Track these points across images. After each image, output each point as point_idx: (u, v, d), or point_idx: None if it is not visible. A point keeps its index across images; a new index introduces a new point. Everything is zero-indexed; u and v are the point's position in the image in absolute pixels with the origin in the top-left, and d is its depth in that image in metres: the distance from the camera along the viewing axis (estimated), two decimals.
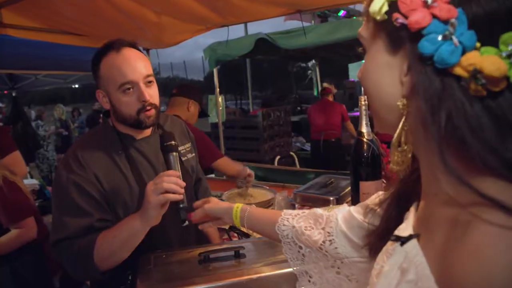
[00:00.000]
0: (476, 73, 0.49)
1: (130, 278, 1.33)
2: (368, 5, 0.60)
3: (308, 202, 2.61)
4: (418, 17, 0.51)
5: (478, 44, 0.50)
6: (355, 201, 2.42)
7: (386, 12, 0.57)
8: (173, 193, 1.28)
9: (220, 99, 5.49)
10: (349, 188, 2.64)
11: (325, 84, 7.46)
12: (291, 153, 6.12)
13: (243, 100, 23.20)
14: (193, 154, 1.83)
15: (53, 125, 9.53)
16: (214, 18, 3.27)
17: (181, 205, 1.32)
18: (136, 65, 1.47)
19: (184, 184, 1.31)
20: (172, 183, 1.28)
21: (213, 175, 5.24)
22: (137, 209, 1.38)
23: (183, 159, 1.74)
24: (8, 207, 2.14)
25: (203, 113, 3.06)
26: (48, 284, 2.39)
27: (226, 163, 2.88)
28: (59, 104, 10.64)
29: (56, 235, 1.42)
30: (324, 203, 2.49)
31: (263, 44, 4.89)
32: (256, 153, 5.75)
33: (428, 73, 0.53)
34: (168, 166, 1.39)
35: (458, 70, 0.50)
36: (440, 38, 0.50)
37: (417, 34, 0.52)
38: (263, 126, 5.77)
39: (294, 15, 3.43)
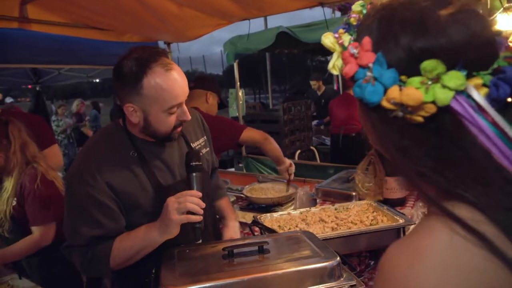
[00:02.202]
0: (400, 105, 0.57)
1: (153, 272, 1.33)
2: None
3: (330, 197, 2.59)
4: (347, 69, 0.61)
5: (404, 77, 0.57)
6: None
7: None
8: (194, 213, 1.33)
9: (240, 93, 5.47)
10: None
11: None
12: (312, 147, 6.07)
13: (261, 94, 23.14)
14: (208, 148, 1.80)
15: (70, 120, 9.65)
16: (236, 11, 3.25)
17: (197, 225, 1.36)
18: (184, 85, 1.43)
19: (204, 205, 1.35)
20: (195, 203, 1.32)
21: (233, 169, 5.25)
22: (153, 211, 1.40)
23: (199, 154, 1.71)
24: (38, 208, 2.16)
25: (222, 105, 3.03)
26: (76, 280, 2.40)
27: (251, 133, 2.80)
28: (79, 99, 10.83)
29: (69, 240, 1.47)
30: (346, 198, 2.46)
31: (283, 37, 4.84)
32: None
33: (364, 112, 0.64)
34: (191, 186, 1.42)
35: (386, 105, 0.58)
36: (364, 82, 0.59)
37: (353, 82, 0.62)
38: (283, 120, 5.73)
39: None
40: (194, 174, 1.44)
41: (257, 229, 1.89)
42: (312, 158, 5.92)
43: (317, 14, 3.97)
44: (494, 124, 0.54)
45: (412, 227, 1.82)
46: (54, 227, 2.23)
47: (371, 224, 1.83)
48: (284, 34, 4.79)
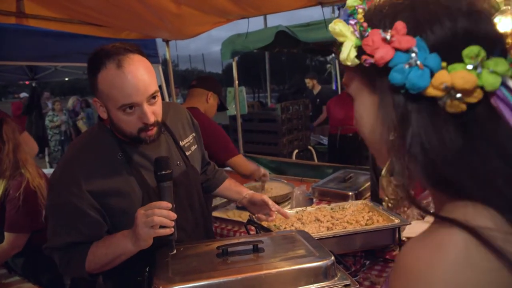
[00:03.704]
0: (449, 90, 0.53)
1: (147, 270, 1.31)
2: (339, 56, 0.64)
3: (327, 196, 2.59)
4: (382, 53, 0.57)
5: (444, 64, 0.55)
6: (374, 196, 2.38)
7: (356, 57, 0.61)
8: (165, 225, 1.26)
9: (242, 91, 5.45)
10: (369, 183, 2.61)
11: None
12: (309, 147, 6.08)
13: (260, 93, 23.13)
14: (196, 146, 1.75)
15: (64, 117, 9.62)
16: (234, 9, 3.24)
17: (170, 237, 1.30)
18: (140, 84, 1.32)
19: (175, 216, 1.28)
20: (163, 216, 1.25)
21: (229, 168, 5.24)
22: None
23: (188, 153, 1.67)
24: (14, 216, 2.14)
25: (222, 107, 3.00)
26: (59, 281, 2.38)
27: (241, 162, 2.81)
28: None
29: (49, 242, 1.45)
30: (343, 198, 2.46)
31: (282, 36, 4.83)
32: (274, 146, 5.73)
33: (394, 103, 0.58)
34: (161, 196, 1.34)
35: (432, 92, 0.55)
36: (406, 66, 0.55)
37: (386, 69, 0.57)
38: (281, 119, 5.73)
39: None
40: (163, 183, 1.34)
41: (252, 228, 1.88)
42: (310, 158, 5.93)
43: (315, 14, 3.97)
44: None
45: (407, 227, 1.82)
46: (26, 237, 2.21)
47: (366, 224, 1.82)
48: (283, 33, 4.79)
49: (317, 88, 7.38)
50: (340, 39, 0.63)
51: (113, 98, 1.34)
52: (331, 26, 0.64)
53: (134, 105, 1.35)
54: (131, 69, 1.32)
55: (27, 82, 8.36)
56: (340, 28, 0.62)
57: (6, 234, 2.17)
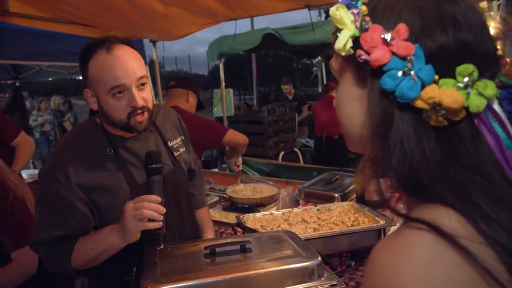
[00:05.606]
0: (436, 106, 0.53)
1: (134, 270, 1.31)
2: (335, 41, 0.63)
3: (313, 198, 2.60)
4: (379, 55, 0.55)
5: (436, 77, 0.54)
6: (360, 198, 2.41)
7: (352, 47, 0.60)
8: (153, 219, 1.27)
9: (229, 93, 5.45)
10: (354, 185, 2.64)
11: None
12: (295, 149, 6.10)
13: (246, 95, 23.14)
14: (184, 149, 1.76)
15: (50, 116, 9.46)
16: (222, 10, 3.25)
17: (158, 232, 1.30)
18: (128, 67, 1.36)
19: (164, 210, 1.28)
20: (152, 209, 1.25)
21: (216, 169, 5.23)
22: None
23: (176, 154, 1.69)
24: (16, 229, 1.83)
25: (200, 106, 3.03)
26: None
27: (233, 136, 2.84)
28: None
29: (35, 236, 1.44)
30: (329, 200, 2.48)
31: (269, 39, 4.85)
32: (261, 148, 5.74)
33: (381, 105, 0.57)
34: (150, 190, 1.34)
35: (420, 103, 0.54)
36: (400, 74, 0.54)
37: (379, 70, 0.56)
38: (268, 121, 5.75)
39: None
40: (153, 177, 1.35)
41: (239, 229, 1.88)
42: (296, 160, 5.96)
43: (299, 16, 4.00)
44: (508, 135, 0.55)
45: (392, 228, 1.84)
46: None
47: (352, 225, 1.84)
48: (270, 36, 4.81)
49: (292, 93, 7.66)
50: (339, 26, 0.61)
51: (103, 81, 1.37)
52: (332, 11, 0.61)
53: (123, 88, 1.37)
54: (120, 53, 1.37)
55: (9, 82, 8.21)
56: (342, 15, 0.60)
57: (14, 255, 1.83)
